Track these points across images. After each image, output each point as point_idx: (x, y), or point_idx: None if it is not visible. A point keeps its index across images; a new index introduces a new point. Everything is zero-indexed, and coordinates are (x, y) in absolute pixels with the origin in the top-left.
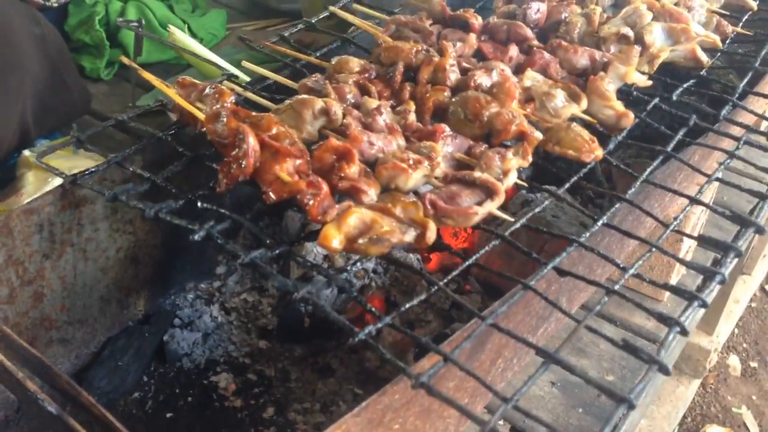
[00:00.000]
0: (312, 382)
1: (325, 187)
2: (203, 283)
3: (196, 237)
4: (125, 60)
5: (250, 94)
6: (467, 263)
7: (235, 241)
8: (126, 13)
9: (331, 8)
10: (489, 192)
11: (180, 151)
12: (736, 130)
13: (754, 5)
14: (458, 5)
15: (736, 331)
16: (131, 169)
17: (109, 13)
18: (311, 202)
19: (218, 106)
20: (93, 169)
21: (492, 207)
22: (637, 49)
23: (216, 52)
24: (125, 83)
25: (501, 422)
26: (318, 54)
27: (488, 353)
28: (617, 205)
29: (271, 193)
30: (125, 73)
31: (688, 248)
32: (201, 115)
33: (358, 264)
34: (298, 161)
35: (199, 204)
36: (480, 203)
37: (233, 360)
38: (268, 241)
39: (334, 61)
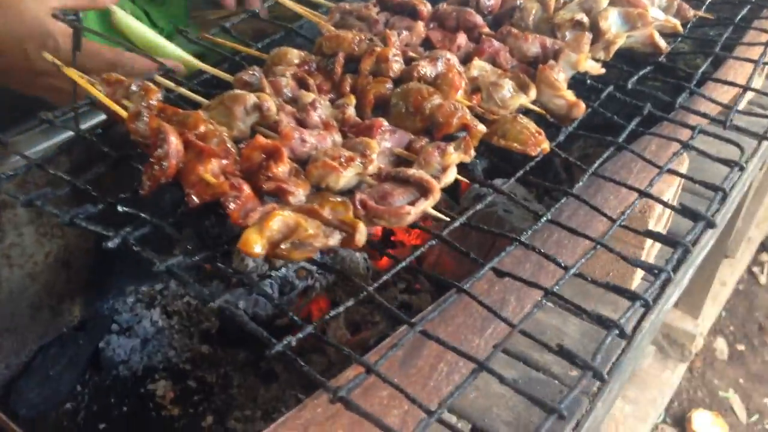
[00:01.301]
0: (254, 388)
1: (246, 189)
2: (144, 286)
3: (110, 244)
4: (48, 57)
5: (183, 90)
6: (398, 266)
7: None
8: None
9: None
10: (423, 190)
11: (106, 151)
12: (695, 119)
13: None
14: None
15: (723, 314)
16: (52, 171)
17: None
18: (232, 205)
19: (144, 103)
20: (12, 173)
21: (426, 206)
22: (588, 36)
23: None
24: None
25: (459, 423)
26: (260, 45)
27: (426, 359)
28: (563, 200)
29: (193, 196)
30: None
31: (651, 244)
32: (124, 114)
33: (285, 269)
34: (225, 161)
35: (119, 208)
36: (414, 202)
37: (173, 366)
38: (189, 247)
39: (273, 52)
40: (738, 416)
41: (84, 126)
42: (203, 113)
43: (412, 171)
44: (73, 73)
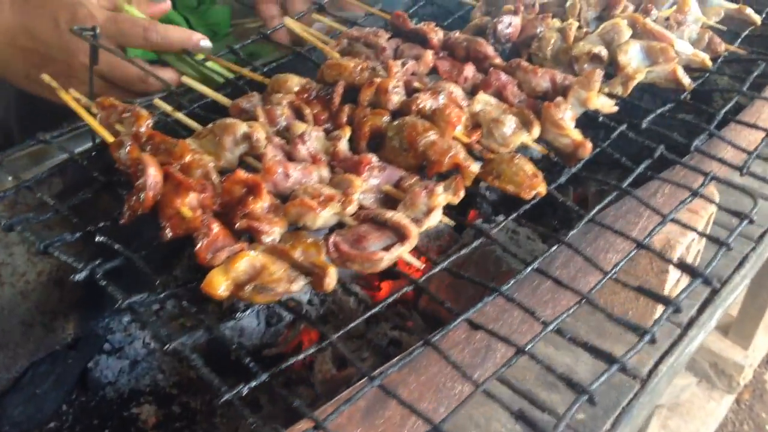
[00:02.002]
0: (237, 417)
1: (215, 228)
2: (141, 306)
3: (76, 278)
4: (46, 78)
5: (179, 115)
6: (371, 312)
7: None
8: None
9: (286, 20)
10: (400, 235)
11: (94, 176)
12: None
13: (758, 19)
14: (440, 15)
15: None
16: (39, 194)
17: None
18: (199, 244)
19: (133, 129)
20: (2, 194)
21: (401, 252)
22: (600, 73)
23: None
24: None
25: None
26: (266, 69)
27: (396, 408)
28: (554, 248)
29: (168, 229)
30: None
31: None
32: (110, 138)
33: (246, 311)
34: (204, 194)
35: (96, 237)
36: (388, 247)
37: (160, 390)
38: (157, 282)
39: (273, 79)
40: None
41: (81, 148)
42: (192, 142)
43: (390, 214)
44: (67, 97)
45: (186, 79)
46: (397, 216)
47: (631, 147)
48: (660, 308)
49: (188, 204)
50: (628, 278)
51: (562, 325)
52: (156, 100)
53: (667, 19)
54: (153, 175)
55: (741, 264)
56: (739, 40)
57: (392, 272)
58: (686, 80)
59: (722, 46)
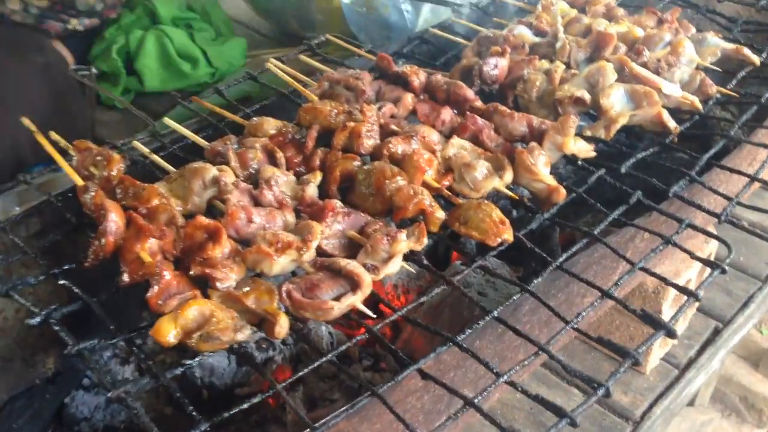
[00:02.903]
0: None
1: (167, 275)
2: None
3: (32, 322)
4: (25, 122)
5: (155, 157)
6: (322, 360)
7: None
8: (145, 41)
9: (269, 62)
10: (353, 284)
11: (68, 217)
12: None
13: (756, 59)
14: (434, 53)
15: None
16: (10, 236)
17: (129, 43)
18: (150, 292)
19: (105, 173)
20: None
21: (354, 301)
22: (575, 119)
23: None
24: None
25: None
26: (249, 110)
27: None
28: (515, 297)
29: (126, 274)
30: (141, 100)
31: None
32: (80, 182)
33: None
34: (165, 239)
35: (59, 281)
36: (340, 297)
37: (134, 427)
38: (111, 327)
39: (250, 122)
40: None
41: (60, 190)
42: (163, 186)
43: (345, 263)
44: (43, 140)
45: (167, 120)
46: (352, 265)
47: (613, 190)
48: (654, 353)
49: (148, 249)
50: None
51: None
52: (134, 142)
53: (659, 60)
54: (114, 220)
55: (746, 304)
56: (734, 81)
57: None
58: (671, 124)
59: (713, 89)
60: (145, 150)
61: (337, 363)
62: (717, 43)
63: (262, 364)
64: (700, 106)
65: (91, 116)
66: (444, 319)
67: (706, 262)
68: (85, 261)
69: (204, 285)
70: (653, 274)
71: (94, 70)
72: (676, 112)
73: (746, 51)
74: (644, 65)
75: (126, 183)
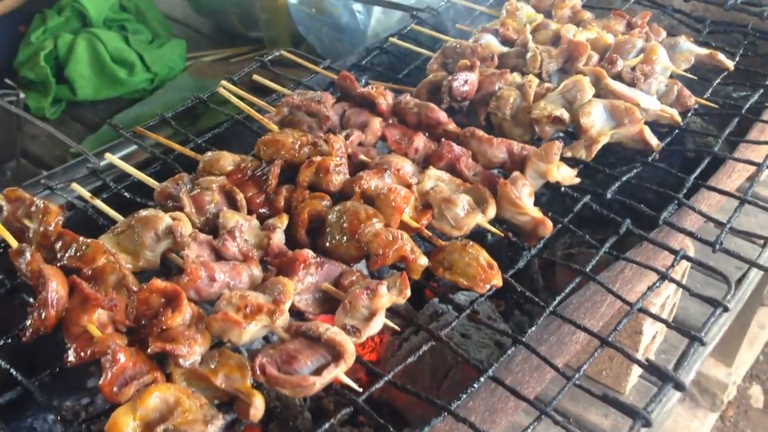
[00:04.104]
0: None
1: (122, 357)
2: (69, 401)
3: None
4: None
5: (98, 202)
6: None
7: None
8: (75, 46)
9: (222, 84)
10: (335, 353)
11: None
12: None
13: (730, 64)
14: (396, 65)
15: (761, 358)
16: None
17: (58, 48)
18: (104, 377)
19: (42, 228)
20: None
21: (336, 373)
22: (559, 145)
23: (171, 84)
24: (73, 123)
25: None
26: (201, 140)
27: None
28: (510, 351)
29: (72, 353)
30: (73, 111)
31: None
32: (14, 243)
33: None
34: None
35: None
36: (321, 370)
37: None
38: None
39: (205, 157)
40: None
41: None
42: (109, 238)
43: (324, 328)
44: None
45: (110, 157)
46: (332, 331)
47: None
48: (635, 369)
49: (96, 321)
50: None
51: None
52: (74, 185)
53: (633, 69)
54: (55, 290)
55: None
56: (714, 85)
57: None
58: (653, 141)
59: (692, 100)
60: (86, 194)
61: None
62: (690, 49)
63: (229, 425)
64: (679, 119)
65: (18, 141)
66: (425, 364)
67: (707, 300)
68: (23, 334)
69: (163, 357)
70: (653, 316)
71: (22, 95)
72: (654, 126)
73: (721, 56)
74: (618, 75)
75: (66, 239)
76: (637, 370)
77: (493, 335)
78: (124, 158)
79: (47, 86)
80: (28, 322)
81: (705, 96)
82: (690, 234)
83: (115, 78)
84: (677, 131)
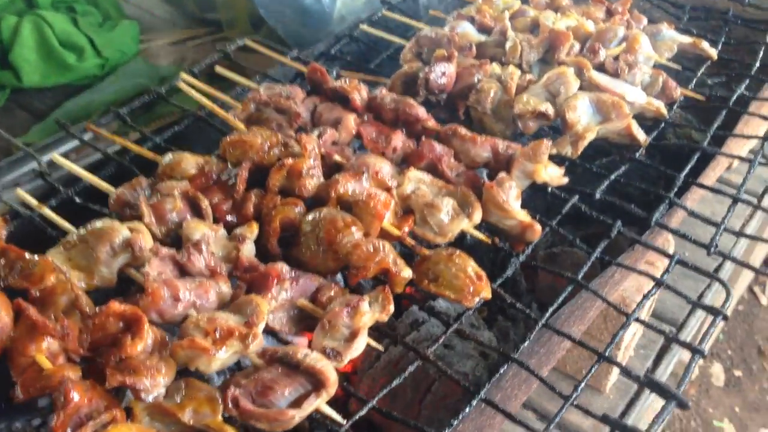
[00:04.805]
0: None
1: (76, 396)
2: (19, 422)
3: None
4: None
5: (47, 211)
6: None
7: None
8: (20, 29)
9: (182, 78)
10: (315, 382)
11: None
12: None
13: (713, 53)
14: (366, 53)
15: (721, 337)
16: None
17: (1, 31)
18: (56, 418)
19: None
20: None
21: (317, 404)
22: (548, 144)
23: (123, 70)
24: (18, 111)
25: None
26: (159, 139)
27: None
28: (502, 369)
29: (19, 388)
30: (19, 98)
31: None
32: None
33: None
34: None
35: None
36: (301, 401)
37: None
38: None
39: (165, 160)
40: None
41: None
42: (59, 254)
43: (302, 355)
44: None
45: (58, 158)
46: (311, 358)
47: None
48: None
49: (47, 351)
50: (585, 337)
51: None
52: (18, 191)
53: (616, 58)
54: None
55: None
56: (697, 76)
57: None
58: (641, 136)
59: (677, 91)
60: (33, 201)
61: None
62: (673, 37)
63: None
64: (665, 112)
65: None
66: (407, 379)
67: (707, 309)
68: None
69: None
70: (650, 327)
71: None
72: (638, 119)
73: (704, 45)
74: (601, 66)
75: (11, 255)
76: (615, 371)
77: (477, 346)
78: (74, 153)
79: None
80: None
81: (690, 87)
82: (684, 237)
83: (64, 63)
84: (663, 125)
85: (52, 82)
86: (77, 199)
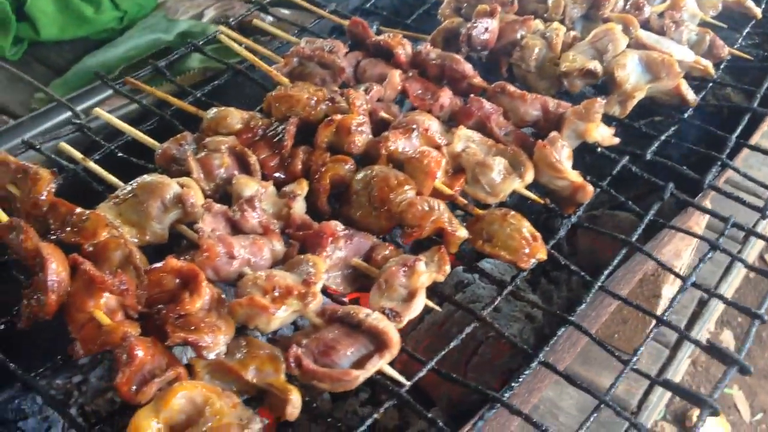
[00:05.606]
0: None
1: (140, 352)
2: (59, 379)
3: None
4: None
5: (92, 165)
6: None
7: None
8: None
9: (221, 30)
10: (378, 343)
11: None
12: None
13: (758, 12)
14: (401, 9)
15: None
16: None
17: None
18: (120, 375)
19: (32, 196)
20: None
21: (380, 365)
22: (601, 102)
23: (142, 24)
24: (36, 65)
25: None
26: (200, 93)
27: None
28: (560, 332)
29: (79, 345)
30: (37, 51)
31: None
32: (2, 216)
33: None
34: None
35: None
36: (363, 361)
37: None
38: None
39: (210, 114)
40: (741, 414)
41: None
42: (109, 209)
43: (363, 314)
44: None
45: (99, 112)
46: (373, 318)
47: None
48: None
49: (105, 307)
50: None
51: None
52: (62, 144)
53: (661, 15)
54: (55, 272)
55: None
56: (742, 35)
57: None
58: (690, 96)
59: (725, 50)
60: (78, 155)
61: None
62: None
63: None
64: (713, 71)
65: None
66: (452, 339)
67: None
68: (17, 321)
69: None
70: (707, 291)
71: None
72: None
73: (749, 2)
74: (646, 23)
75: (61, 209)
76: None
77: (523, 307)
78: (103, 108)
79: (7, 24)
80: (24, 308)
81: (735, 46)
82: (740, 201)
83: (81, 15)
84: (711, 85)
85: (70, 35)
86: (120, 153)
